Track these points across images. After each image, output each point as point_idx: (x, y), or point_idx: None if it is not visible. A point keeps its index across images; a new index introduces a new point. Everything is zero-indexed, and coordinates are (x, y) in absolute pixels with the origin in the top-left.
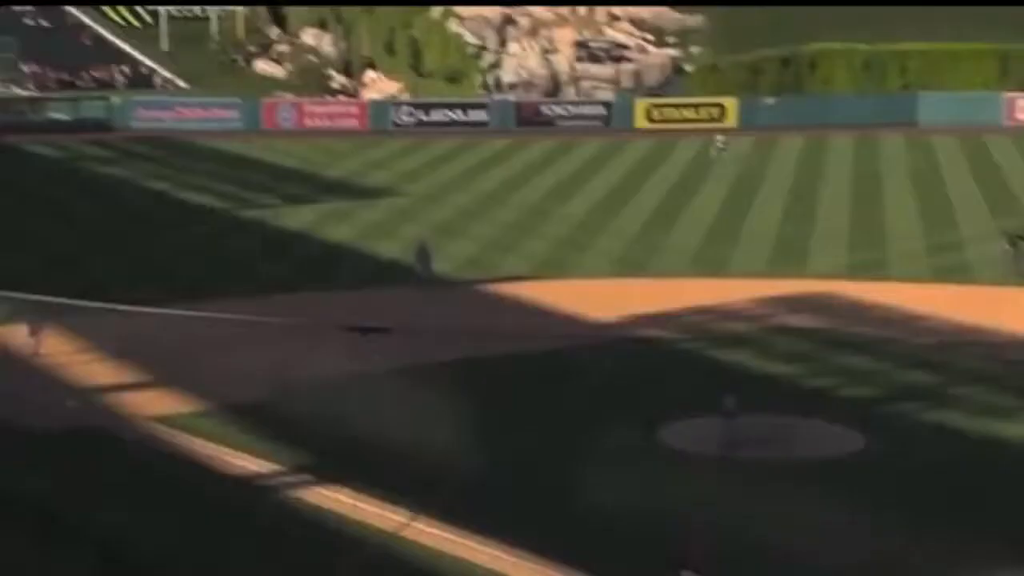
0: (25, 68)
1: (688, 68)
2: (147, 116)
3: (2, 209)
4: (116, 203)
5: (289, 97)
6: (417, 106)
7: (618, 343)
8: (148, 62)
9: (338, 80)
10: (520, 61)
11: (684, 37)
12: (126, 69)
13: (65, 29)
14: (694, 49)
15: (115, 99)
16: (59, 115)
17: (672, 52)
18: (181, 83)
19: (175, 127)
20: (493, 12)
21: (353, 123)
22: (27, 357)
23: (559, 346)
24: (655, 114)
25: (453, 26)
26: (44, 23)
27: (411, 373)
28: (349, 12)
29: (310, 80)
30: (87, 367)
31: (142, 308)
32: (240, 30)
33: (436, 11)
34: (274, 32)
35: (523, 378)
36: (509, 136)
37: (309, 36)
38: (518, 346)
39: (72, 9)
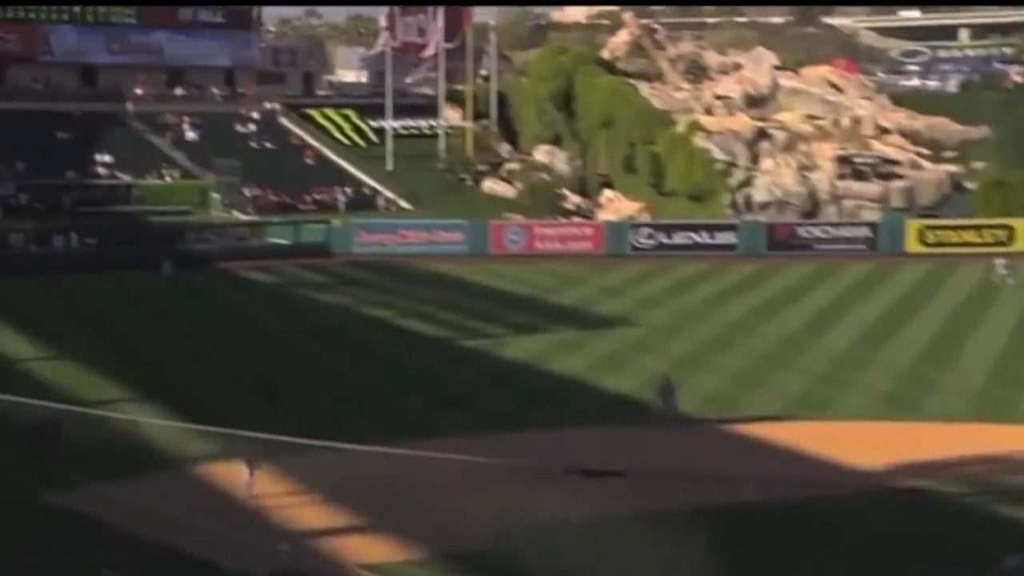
0: (247, 191)
1: (969, 185)
2: (369, 240)
3: (216, 338)
4: (333, 331)
5: (518, 218)
6: (658, 227)
7: (883, 494)
8: (371, 182)
9: (572, 200)
10: (774, 178)
11: (965, 150)
12: (348, 190)
13: (289, 150)
14: (977, 164)
15: (336, 222)
16: (279, 240)
17: (950, 167)
18: (404, 204)
19: (397, 251)
20: (744, 126)
21: (587, 246)
22: (240, 497)
23: (815, 495)
24: (929, 236)
25: (699, 141)
26: (268, 144)
27: (646, 521)
28: (586, 128)
29: (541, 200)
30: (300, 508)
31: (358, 446)
32: (469, 147)
33: (680, 125)
34: (504, 149)
35: (772, 531)
36: (760, 261)
37: (542, 153)
38: (767, 494)
39: (296, 129)
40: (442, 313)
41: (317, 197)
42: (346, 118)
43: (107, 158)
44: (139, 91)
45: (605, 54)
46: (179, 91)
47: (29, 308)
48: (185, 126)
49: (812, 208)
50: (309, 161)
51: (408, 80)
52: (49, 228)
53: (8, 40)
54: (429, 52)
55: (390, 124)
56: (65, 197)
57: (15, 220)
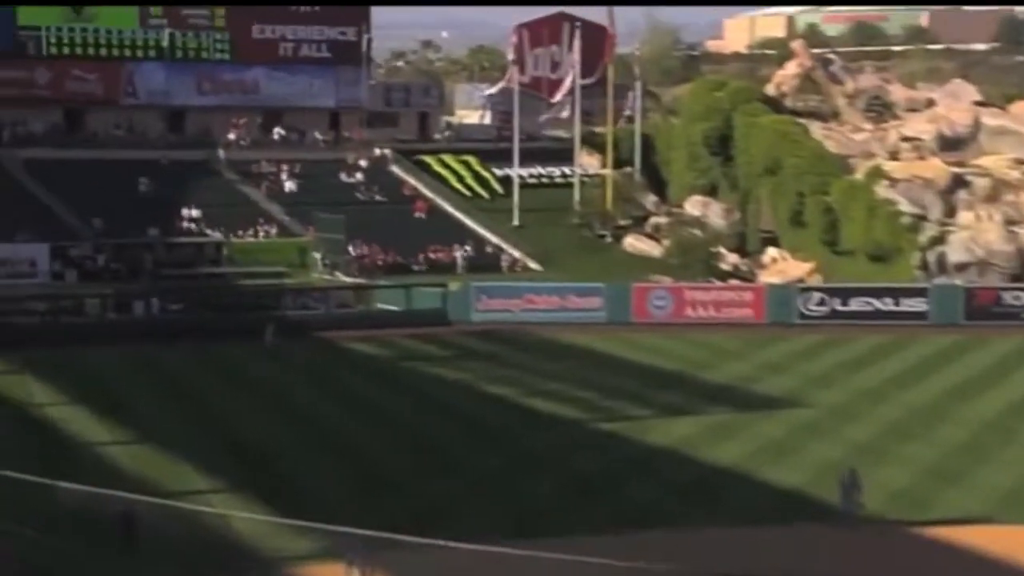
0: (352, 250)
1: None
2: (491, 306)
3: (318, 419)
4: (449, 411)
5: (666, 281)
6: (831, 292)
7: None
8: (495, 239)
9: (728, 260)
10: (974, 234)
11: None
12: (468, 248)
13: (400, 202)
14: None
15: (453, 286)
16: (388, 306)
17: None
18: (533, 265)
19: (524, 319)
20: (937, 172)
21: (746, 313)
22: None
23: None
24: None
25: (882, 190)
26: (377, 196)
27: None
28: (746, 175)
29: (693, 260)
30: None
31: (469, 545)
32: (608, 198)
33: (860, 172)
34: (650, 201)
35: None
36: (956, 332)
37: (693, 205)
38: None
39: (409, 178)
40: (575, 391)
41: (432, 256)
42: (467, 165)
43: (195, 212)
44: (232, 136)
45: (770, 89)
46: (277, 135)
47: (107, 383)
48: (283, 175)
49: (1021, 270)
50: (423, 215)
51: (540, 120)
52: (129, 293)
53: (88, 80)
54: (564, 89)
55: (517, 172)
56: (147, 257)
57: (92, 284)
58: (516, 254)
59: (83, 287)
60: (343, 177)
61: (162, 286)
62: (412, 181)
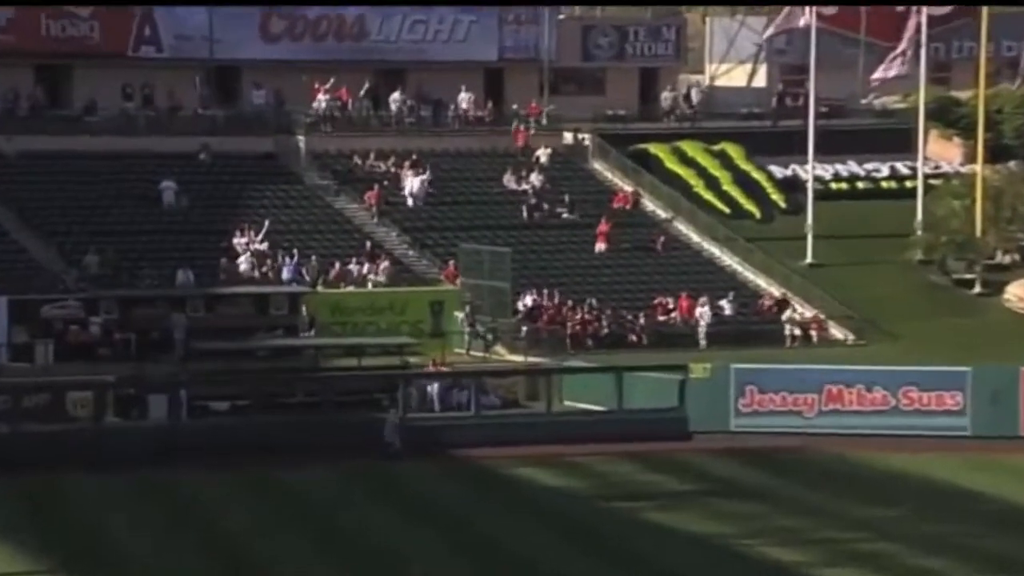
0: (522, 305)
1: None
2: (764, 405)
3: None
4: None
5: None
6: None
7: None
8: (771, 288)
9: None
10: None
11: None
12: (727, 303)
13: (595, 219)
14: None
15: (698, 370)
16: (584, 404)
17: None
18: (840, 332)
19: (823, 428)
20: None
21: None
22: None
23: None
24: None
25: None
26: (568, 214)
27: None
28: None
29: None
30: None
31: None
32: (978, 217)
33: None
34: None
35: None
36: None
37: None
38: None
39: (621, 181)
40: (918, 556)
41: (661, 318)
42: (724, 160)
43: (255, 242)
44: (318, 111)
45: None
46: (396, 108)
47: (104, 538)
48: (405, 178)
49: None
50: (659, 249)
51: (862, 83)
52: (144, 382)
53: (78, 22)
54: (908, 30)
55: (812, 171)
56: (176, 320)
57: (79, 365)
58: (809, 313)
59: (64, 370)
60: (508, 181)
61: (198, 369)
62: (626, 187)
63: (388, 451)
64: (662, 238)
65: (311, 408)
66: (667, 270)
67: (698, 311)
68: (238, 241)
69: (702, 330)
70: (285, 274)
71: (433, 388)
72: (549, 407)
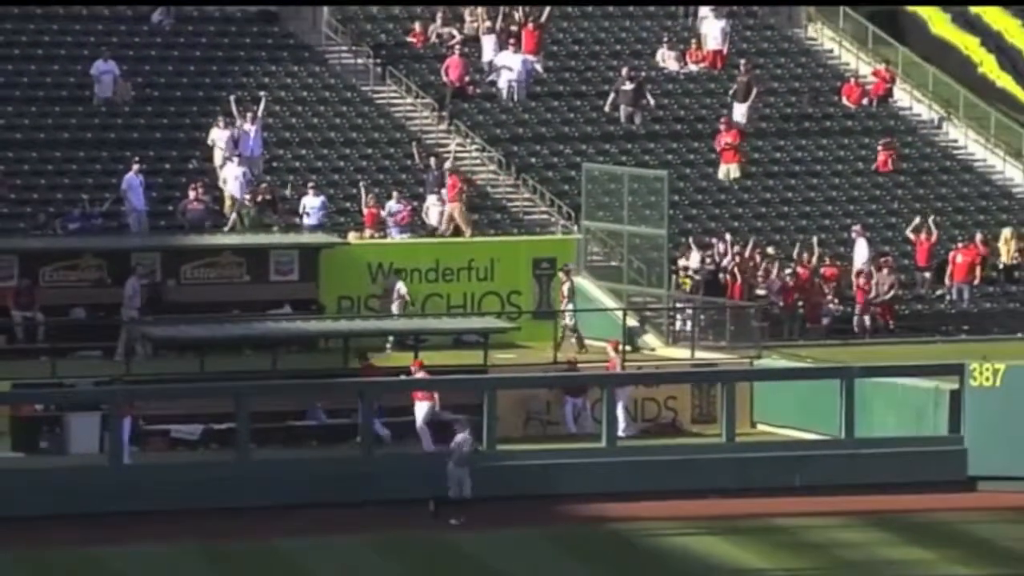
0: (688, 262)
1: None
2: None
3: None
4: None
5: None
6: None
7: None
8: None
9: None
10: None
11: None
12: None
13: (849, 135)
14: None
15: (984, 371)
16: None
17: None
18: None
19: None
20: None
21: None
22: None
23: None
24: None
25: None
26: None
27: None
28: None
29: None
30: None
31: None
32: None
33: None
34: None
35: None
36: None
37: None
38: None
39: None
40: None
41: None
42: None
43: (227, 152)
44: None
45: None
46: None
47: None
48: (494, 48)
49: None
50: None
51: None
52: (67, 392)
53: None
54: None
55: None
56: (125, 293)
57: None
58: None
59: None
60: (666, 58)
61: (154, 372)
62: (869, 66)
63: (448, 511)
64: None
65: (335, 436)
66: (927, 202)
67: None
68: (217, 162)
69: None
70: (308, 217)
71: (573, 406)
72: (732, 434)
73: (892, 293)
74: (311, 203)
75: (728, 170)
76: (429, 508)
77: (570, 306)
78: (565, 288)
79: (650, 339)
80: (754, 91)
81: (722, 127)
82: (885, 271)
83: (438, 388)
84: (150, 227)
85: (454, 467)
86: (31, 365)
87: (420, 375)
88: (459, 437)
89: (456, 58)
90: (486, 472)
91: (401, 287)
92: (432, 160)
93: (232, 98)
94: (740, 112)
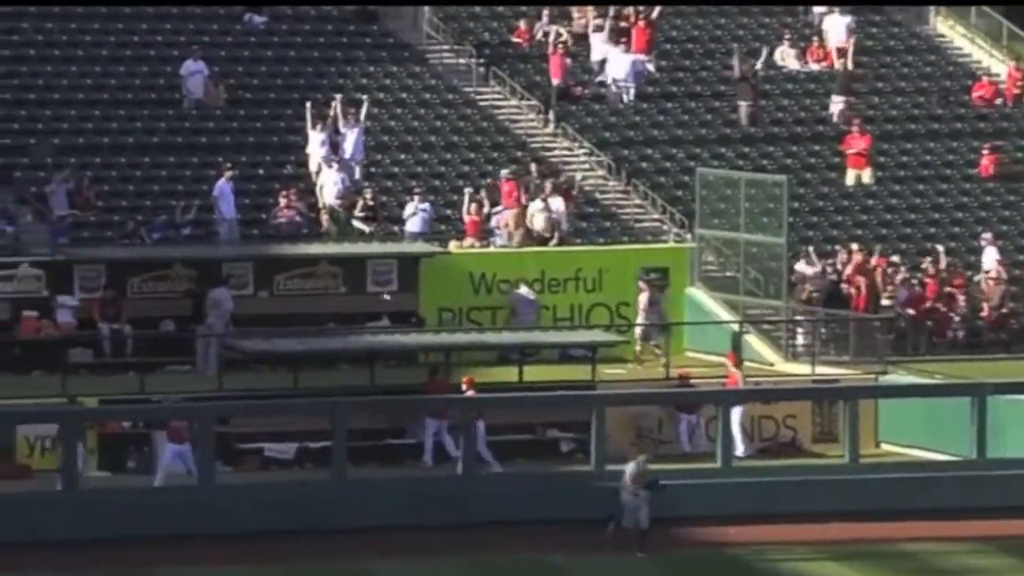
0: (809, 273)
1: None
2: None
3: None
4: None
5: None
6: None
7: None
8: None
9: None
10: None
11: None
12: None
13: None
14: None
15: None
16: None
17: None
18: None
19: None
20: None
21: None
22: None
23: None
24: None
25: None
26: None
27: None
28: None
29: None
30: None
31: None
32: None
33: None
34: None
35: None
36: None
37: None
38: None
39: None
40: None
41: None
42: None
43: (323, 154)
44: None
45: None
46: None
47: None
48: (605, 46)
49: None
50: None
51: None
52: (156, 408)
53: None
54: None
55: None
56: (212, 304)
57: (49, 375)
58: None
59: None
60: (785, 56)
61: (245, 387)
62: (1002, 64)
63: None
64: None
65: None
66: None
67: None
68: (313, 167)
69: None
70: (412, 224)
71: (688, 423)
72: (856, 454)
73: (1001, 304)
74: (412, 210)
75: (859, 175)
76: (608, 529)
77: (647, 320)
78: (643, 298)
79: (768, 353)
80: (854, 87)
81: (854, 129)
82: (991, 282)
83: (545, 404)
84: (240, 236)
85: (629, 496)
86: (119, 380)
87: (469, 393)
88: (632, 466)
89: (558, 57)
90: (594, 493)
91: (525, 291)
92: (533, 166)
93: (338, 99)
94: (836, 104)
